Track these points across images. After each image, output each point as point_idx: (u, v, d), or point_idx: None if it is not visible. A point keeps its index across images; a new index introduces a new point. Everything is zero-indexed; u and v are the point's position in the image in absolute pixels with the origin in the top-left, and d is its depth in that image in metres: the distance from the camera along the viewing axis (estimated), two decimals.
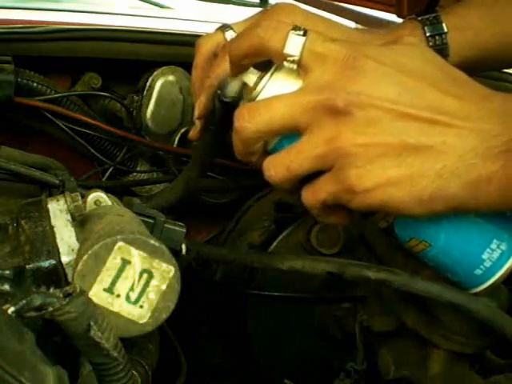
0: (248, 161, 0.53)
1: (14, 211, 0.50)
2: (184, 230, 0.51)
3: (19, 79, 0.83)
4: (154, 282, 0.41)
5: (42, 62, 0.87)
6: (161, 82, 0.92)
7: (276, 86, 0.50)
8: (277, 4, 0.68)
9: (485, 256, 0.49)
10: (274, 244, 0.83)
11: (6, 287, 0.43)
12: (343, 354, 0.74)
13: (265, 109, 0.49)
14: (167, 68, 0.93)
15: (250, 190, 0.95)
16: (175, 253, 0.44)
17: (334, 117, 0.46)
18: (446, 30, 0.66)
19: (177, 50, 0.94)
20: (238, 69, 0.54)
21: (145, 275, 0.41)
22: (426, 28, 0.66)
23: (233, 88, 0.61)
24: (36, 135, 0.90)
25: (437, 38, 0.66)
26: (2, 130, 0.87)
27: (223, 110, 0.64)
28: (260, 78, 0.52)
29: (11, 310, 0.35)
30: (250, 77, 0.53)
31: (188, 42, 0.90)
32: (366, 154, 0.45)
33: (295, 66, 0.49)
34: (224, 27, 0.69)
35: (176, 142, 0.95)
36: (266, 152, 0.52)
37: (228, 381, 0.93)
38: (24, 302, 0.35)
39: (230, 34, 0.68)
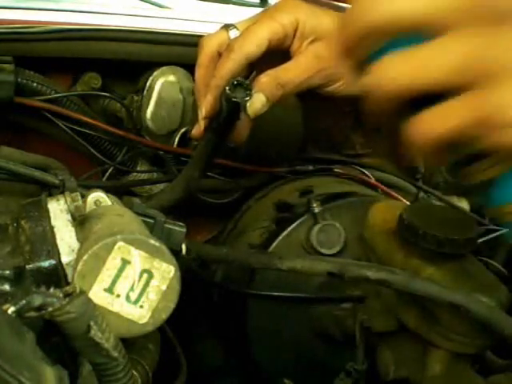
0: (343, 65, 0.43)
1: (15, 211, 0.50)
2: (184, 230, 0.51)
3: (19, 79, 0.83)
4: (154, 282, 0.41)
5: (42, 62, 0.87)
6: (161, 83, 0.92)
7: None
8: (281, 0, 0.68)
9: None
10: (274, 244, 0.83)
11: (6, 287, 0.43)
12: (343, 354, 0.74)
13: None
14: (167, 68, 0.93)
15: (250, 190, 0.95)
16: (175, 253, 0.44)
17: (492, 22, 0.35)
18: None
19: (177, 50, 0.94)
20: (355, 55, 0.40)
21: (145, 275, 0.41)
22: None
23: (241, 88, 0.61)
24: (36, 135, 0.90)
25: None
26: (2, 129, 0.87)
27: (230, 110, 0.64)
28: None
29: (11, 309, 0.35)
30: None
31: (189, 42, 0.90)
32: None
33: None
34: (228, 26, 0.69)
35: (176, 142, 0.95)
36: (360, 64, 0.40)
37: (227, 381, 0.93)
38: (24, 302, 0.35)
39: (233, 33, 0.69)
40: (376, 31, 0.37)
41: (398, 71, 0.37)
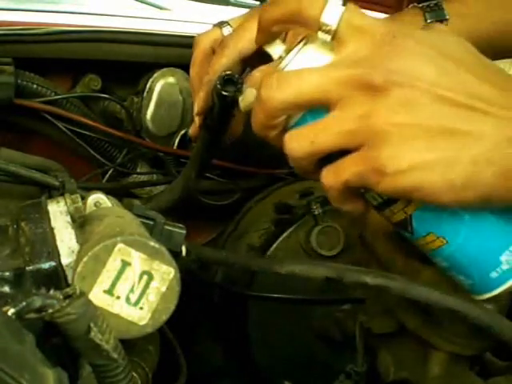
0: (265, 135, 0.50)
1: (14, 213, 0.50)
2: (184, 232, 0.51)
3: (19, 81, 0.83)
4: (153, 284, 0.41)
5: (41, 63, 0.87)
6: (161, 84, 0.92)
7: (305, 59, 0.48)
8: None
9: (503, 258, 0.47)
10: (274, 246, 0.83)
11: (6, 289, 0.43)
12: (343, 356, 0.74)
13: (296, 79, 0.46)
14: (167, 70, 0.93)
15: (249, 191, 0.95)
16: (175, 254, 0.44)
17: (368, 93, 0.44)
18: (447, 16, 0.65)
19: (177, 51, 0.94)
20: (266, 37, 0.51)
21: (145, 277, 0.41)
22: (426, 15, 0.65)
23: (231, 82, 0.61)
24: (36, 137, 0.90)
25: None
26: (2, 131, 0.87)
27: (222, 105, 0.64)
28: (288, 50, 0.49)
29: (11, 311, 0.35)
30: (276, 48, 0.51)
31: (188, 43, 0.90)
32: (400, 133, 0.43)
33: (329, 38, 0.46)
34: (221, 23, 0.70)
35: (176, 143, 0.95)
36: (285, 129, 0.49)
37: (228, 382, 0.93)
38: (24, 303, 0.35)
39: (227, 30, 0.69)
40: (283, 110, 0.47)
41: (301, 141, 0.46)
